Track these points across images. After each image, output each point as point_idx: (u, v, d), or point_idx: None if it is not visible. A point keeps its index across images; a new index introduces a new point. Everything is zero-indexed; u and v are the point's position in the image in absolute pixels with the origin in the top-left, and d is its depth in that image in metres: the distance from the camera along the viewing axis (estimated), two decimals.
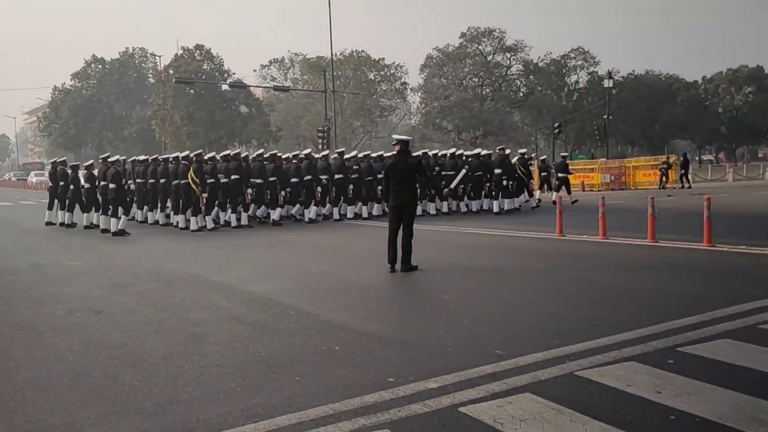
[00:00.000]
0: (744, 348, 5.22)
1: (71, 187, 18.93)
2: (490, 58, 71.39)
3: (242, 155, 19.38)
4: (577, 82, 74.61)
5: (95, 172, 18.59)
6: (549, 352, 5.25)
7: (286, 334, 6.15)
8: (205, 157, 18.08)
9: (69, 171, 19.26)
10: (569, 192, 24.18)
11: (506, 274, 9.36)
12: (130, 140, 72.46)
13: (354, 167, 19.62)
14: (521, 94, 73.38)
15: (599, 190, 33.90)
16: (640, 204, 22.05)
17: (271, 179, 18.09)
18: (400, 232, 9.77)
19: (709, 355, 5.06)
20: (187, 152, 19.59)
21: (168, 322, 6.74)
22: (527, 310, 6.88)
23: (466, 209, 20.88)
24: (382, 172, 11.74)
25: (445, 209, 20.52)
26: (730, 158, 78.34)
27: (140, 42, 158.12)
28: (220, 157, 18.95)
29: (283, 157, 19.86)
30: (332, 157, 20.54)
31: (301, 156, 19.79)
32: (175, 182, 17.83)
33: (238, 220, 17.89)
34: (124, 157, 21.46)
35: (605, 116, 47.92)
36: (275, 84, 69.27)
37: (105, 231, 17.12)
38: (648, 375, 4.64)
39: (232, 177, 17.78)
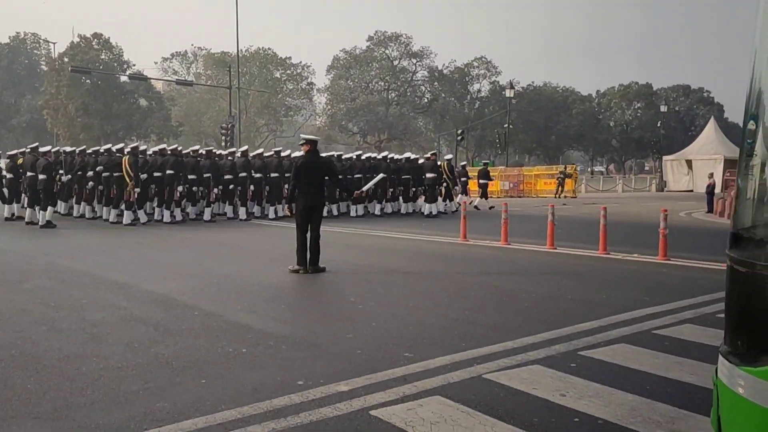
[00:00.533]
0: (639, 352, 5.46)
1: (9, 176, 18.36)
2: (396, 62, 72.26)
3: (178, 150, 19.07)
4: (479, 90, 76.66)
5: (19, 162, 18.13)
6: (457, 355, 5.32)
7: (190, 335, 5.96)
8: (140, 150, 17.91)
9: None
10: (486, 198, 25.53)
11: (412, 277, 9.45)
12: (20, 130, 68.82)
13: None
14: (426, 100, 74.63)
15: (498, 197, 34.84)
16: (538, 211, 22.83)
17: (206, 175, 18.02)
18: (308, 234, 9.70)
19: (608, 359, 5.26)
20: (121, 145, 19.27)
21: (63, 322, 6.40)
22: (434, 313, 6.95)
23: (380, 213, 21.15)
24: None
25: (360, 212, 20.67)
26: (619, 170, 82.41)
27: (33, 27, 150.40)
28: (154, 151, 18.59)
29: (184, 152, 19.38)
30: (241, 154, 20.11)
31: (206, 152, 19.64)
32: (106, 174, 17.44)
33: (172, 216, 17.60)
34: (56, 149, 20.59)
35: (506, 125, 49.32)
36: (177, 78, 67.51)
37: (30, 223, 16.56)
38: (552, 378, 4.78)
39: (167, 172, 17.45)
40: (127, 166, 16.77)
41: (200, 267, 10.15)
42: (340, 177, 12.50)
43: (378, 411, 4.11)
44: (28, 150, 17.79)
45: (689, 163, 43.98)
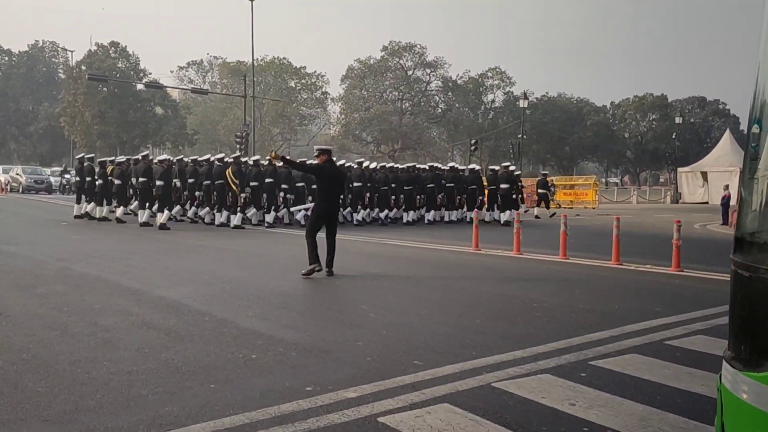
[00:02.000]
0: (651, 363, 5.43)
1: (99, 181, 20.31)
2: (410, 72, 72.44)
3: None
4: (493, 101, 76.67)
5: (109, 170, 20.58)
6: (466, 363, 5.30)
7: (201, 340, 5.98)
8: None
9: (97, 167, 20.80)
10: (548, 207, 26.76)
11: (424, 286, 9.44)
12: (37, 137, 69.52)
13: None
14: (439, 110, 74.71)
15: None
16: (552, 221, 22.76)
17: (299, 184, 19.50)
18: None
19: (618, 369, 5.23)
20: (222, 155, 20.98)
21: (75, 327, 6.44)
22: (444, 322, 6.94)
23: (432, 220, 22.09)
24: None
25: (412, 218, 21.51)
26: (634, 181, 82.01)
27: (51, 35, 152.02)
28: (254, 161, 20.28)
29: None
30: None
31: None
32: (207, 182, 19.23)
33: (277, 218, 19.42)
34: (169, 157, 22.17)
35: (519, 135, 49.27)
36: (193, 86, 67.98)
37: (145, 224, 18.38)
38: (562, 387, 4.75)
39: (266, 180, 18.91)
40: (231, 174, 18.42)
41: (211, 273, 10.19)
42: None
43: (386, 418, 4.11)
44: (140, 158, 20.21)
45: (704, 175, 43.71)
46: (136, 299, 7.92)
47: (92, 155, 23.38)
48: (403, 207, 21.54)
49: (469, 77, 74.67)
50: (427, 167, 23.49)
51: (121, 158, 22.05)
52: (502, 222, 21.84)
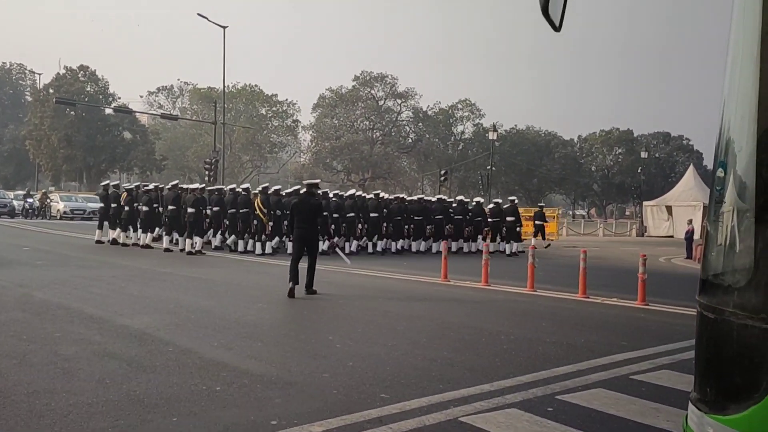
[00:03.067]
0: (617, 397, 5.45)
1: (126, 208, 20.78)
2: (381, 102, 72.92)
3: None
4: (463, 132, 77.43)
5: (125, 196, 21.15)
6: (434, 396, 5.27)
7: (164, 372, 5.86)
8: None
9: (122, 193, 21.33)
10: (543, 237, 27.41)
11: (391, 317, 9.39)
12: (1, 159, 68.37)
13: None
14: (410, 140, 75.20)
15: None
16: (520, 254, 22.89)
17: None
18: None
19: (585, 403, 5.24)
20: (247, 185, 22.30)
21: (34, 356, 6.27)
22: (411, 354, 6.90)
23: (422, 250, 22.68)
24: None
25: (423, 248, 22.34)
26: (600, 214, 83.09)
27: (19, 58, 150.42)
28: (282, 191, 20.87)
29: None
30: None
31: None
32: (232, 210, 19.70)
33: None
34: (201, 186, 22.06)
35: (489, 167, 49.72)
36: (162, 112, 67.64)
37: (168, 251, 19.14)
38: (529, 422, 4.74)
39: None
40: (260, 203, 19.22)
41: (176, 302, 10.04)
42: (325, 215, 13.90)
43: None
44: (169, 186, 20.84)
45: (669, 209, 44.48)
46: (98, 327, 7.76)
47: (117, 182, 24.16)
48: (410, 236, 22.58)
49: (439, 108, 75.44)
50: (416, 198, 24.29)
51: (149, 185, 22.33)
52: (508, 253, 23.00)
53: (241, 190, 20.85)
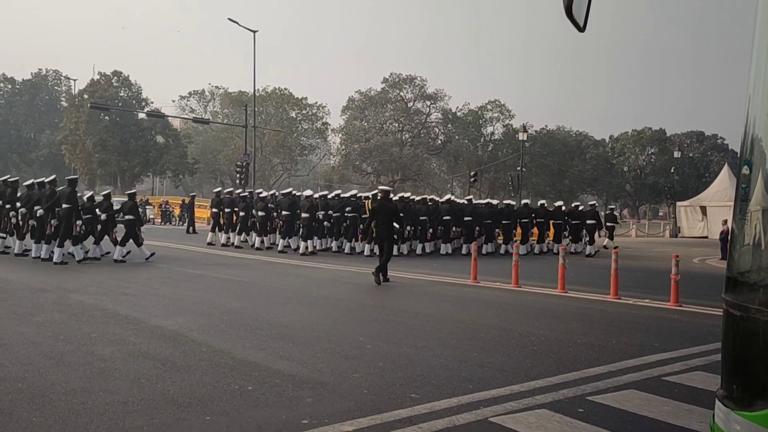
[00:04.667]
0: (649, 399, 5.41)
1: (242, 213, 22.17)
2: (410, 104, 72.84)
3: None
4: (492, 133, 77.00)
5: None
6: (464, 397, 5.28)
7: (197, 371, 5.96)
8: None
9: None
10: (612, 239, 28.24)
11: (421, 318, 9.41)
12: (38, 164, 69.72)
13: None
14: (439, 142, 75.02)
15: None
16: (551, 254, 22.75)
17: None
18: None
19: (616, 404, 5.21)
20: (355, 191, 23.21)
21: (71, 356, 6.42)
22: (441, 354, 6.92)
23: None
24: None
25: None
26: (633, 215, 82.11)
27: (55, 64, 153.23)
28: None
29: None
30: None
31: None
32: (337, 214, 21.30)
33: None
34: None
35: (519, 168, 49.44)
36: (194, 116, 68.41)
37: (282, 252, 20.33)
38: (559, 423, 4.73)
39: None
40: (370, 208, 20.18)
41: (210, 303, 10.17)
42: (400, 219, 15.46)
43: None
44: (284, 193, 22.19)
45: (703, 209, 43.81)
46: (134, 328, 7.90)
47: (231, 189, 26.42)
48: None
49: (468, 109, 75.15)
50: (465, 201, 24.60)
51: (262, 192, 23.85)
52: (587, 254, 24.05)
53: (351, 196, 22.34)
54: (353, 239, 21.21)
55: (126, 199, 18.16)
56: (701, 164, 79.12)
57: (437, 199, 25.04)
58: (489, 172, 70.76)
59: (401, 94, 72.57)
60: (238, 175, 38.75)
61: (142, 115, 59.08)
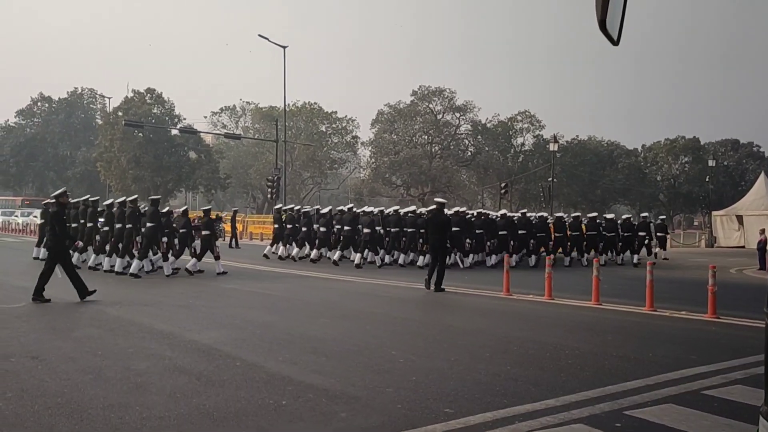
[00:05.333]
0: (687, 413, 5.31)
1: (304, 229, 22.79)
2: (440, 116, 72.79)
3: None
4: (523, 144, 76.54)
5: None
6: (498, 412, 5.24)
7: (232, 386, 6.00)
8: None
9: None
10: (665, 249, 28.81)
11: (453, 331, 9.38)
12: (74, 181, 70.92)
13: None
14: (469, 153, 74.76)
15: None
16: (583, 266, 22.50)
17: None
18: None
19: (654, 419, 5.13)
20: (413, 207, 23.79)
21: (109, 371, 6.51)
22: (474, 368, 6.88)
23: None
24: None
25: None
26: (668, 225, 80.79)
27: (90, 83, 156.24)
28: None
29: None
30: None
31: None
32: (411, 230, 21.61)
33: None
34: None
35: (550, 179, 49.12)
36: (226, 131, 69.18)
37: (335, 264, 20.92)
38: None
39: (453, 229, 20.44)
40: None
41: (242, 317, 10.24)
42: (450, 230, 16.00)
43: None
44: (346, 209, 22.27)
45: (740, 218, 43.03)
46: (169, 343, 7.99)
47: (292, 206, 26.93)
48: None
49: (498, 121, 74.83)
50: (499, 215, 24.62)
51: (322, 208, 24.76)
52: (634, 263, 24.20)
53: (407, 211, 22.93)
54: (411, 252, 21.61)
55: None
56: (736, 173, 77.70)
57: (492, 213, 25.38)
58: (519, 184, 70.33)
59: (430, 106, 72.58)
60: (269, 190, 39.05)
61: (174, 132, 59.78)
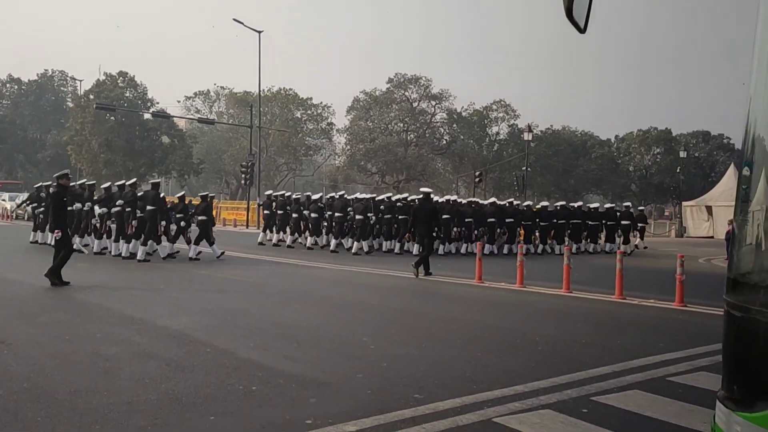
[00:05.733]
0: (653, 399, 5.40)
1: (294, 215, 22.88)
2: (415, 104, 72.72)
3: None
4: (497, 133, 76.80)
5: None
6: (467, 397, 5.28)
7: (201, 371, 5.97)
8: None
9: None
10: (642, 239, 29.15)
11: (425, 318, 9.42)
12: (44, 164, 69.85)
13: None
14: (444, 142, 74.87)
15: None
16: (555, 255, 22.71)
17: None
18: None
19: (620, 405, 5.20)
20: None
21: (76, 356, 6.44)
22: (446, 355, 6.92)
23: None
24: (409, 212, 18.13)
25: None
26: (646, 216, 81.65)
27: (61, 65, 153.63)
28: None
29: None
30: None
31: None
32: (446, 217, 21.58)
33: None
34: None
35: (524, 168, 49.40)
36: (199, 116, 68.52)
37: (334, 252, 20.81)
38: (563, 423, 4.73)
39: (443, 216, 20.86)
40: None
41: (214, 303, 10.19)
42: (438, 219, 16.75)
43: None
44: (338, 195, 22.78)
45: (709, 209, 43.68)
46: (138, 329, 7.93)
47: (289, 193, 26.29)
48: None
49: (473, 109, 74.97)
50: (489, 203, 24.95)
51: (314, 195, 24.62)
52: (628, 252, 23.54)
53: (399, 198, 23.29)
54: (403, 240, 21.56)
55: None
56: (707, 164, 78.78)
57: (481, 202, 25.61)
58: (494, 172, 70.63)
59: (406, 94, 72.45)
60: (243, 176, 38.80)
61: (147, 116, 59.08)
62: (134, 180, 19.14)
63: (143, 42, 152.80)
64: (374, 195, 24.71)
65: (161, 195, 18.14)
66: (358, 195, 22.98)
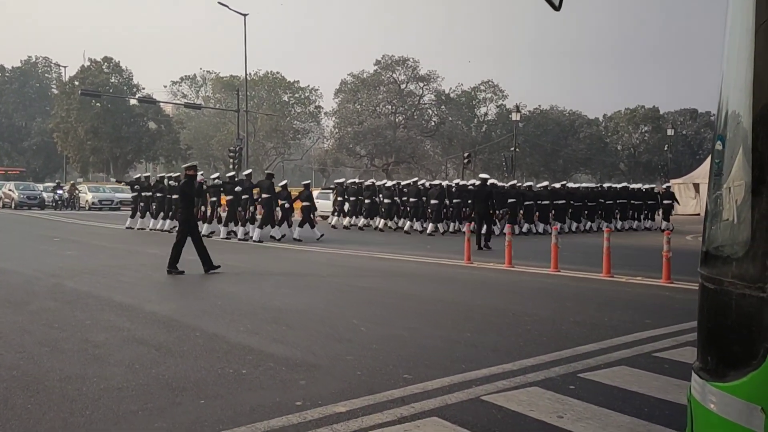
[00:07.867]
0: (639, 375, 5.47)
1: (367, 201, 24.99)
2: (403, 86, 72.57)
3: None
4: (486, 114, 76.91)
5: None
6: (456, 376, 5.33)
7: (191, 356, 5.99)
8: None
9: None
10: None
11: (415, 299, 9.46)
12: (30, 152, 69.44)
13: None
14: (433, 124, 74.85)
15: None
16: (546, 235, 22.81)
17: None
18: None
19: (607, 381, 5.26)
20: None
21: (66, 343, 6.44)
22: (435, 336, 6.97)
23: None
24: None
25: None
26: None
27: (44, 51, 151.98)
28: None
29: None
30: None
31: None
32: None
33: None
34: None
35: (513, 148, 49.47)
36: (186, 101, 68.16)
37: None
38: (550, 400, 4.78)
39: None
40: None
41: (203, 288, 10.20)
42: (493, 201, 18.86)
43: None
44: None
45: (696, 186, 43.93)
46: (128, 315, 7.93)
47: (353, 180, 29.08)
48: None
49: (462, 90, 74.98)
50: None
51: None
52: (662, 228, 24.34)
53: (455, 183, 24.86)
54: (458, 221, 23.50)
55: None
56: (695, 142, 79.17)
57: (519, 185, 26.61)
58: (483, 153, 70.78)
59: (394, 75, 72.27)
60: (231, 160, 38.68)
61: (133, 102, 58.77)
62: (250, 171, 22.23)
63: (128, 27, 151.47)
64: (447, 181, 26.55)
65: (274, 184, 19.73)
66: (435, 181, 25.35)
